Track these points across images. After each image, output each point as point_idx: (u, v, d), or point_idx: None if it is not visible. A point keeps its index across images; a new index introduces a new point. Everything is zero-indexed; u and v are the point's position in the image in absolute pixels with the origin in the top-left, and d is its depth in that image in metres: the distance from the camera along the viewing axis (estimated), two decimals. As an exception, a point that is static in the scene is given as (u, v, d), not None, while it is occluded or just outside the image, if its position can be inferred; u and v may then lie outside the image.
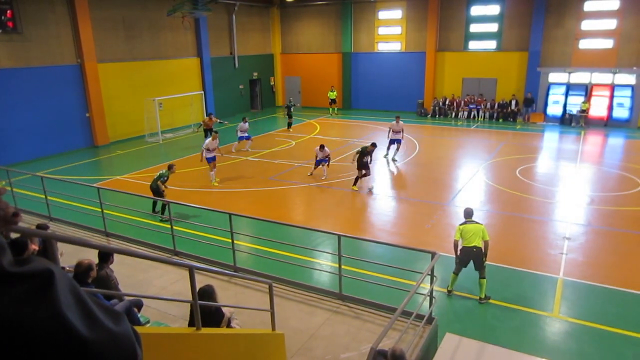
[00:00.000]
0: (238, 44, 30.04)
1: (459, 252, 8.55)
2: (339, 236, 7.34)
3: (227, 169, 17.81)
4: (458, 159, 18.43)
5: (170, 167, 12.95)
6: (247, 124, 20.51)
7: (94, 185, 12.58)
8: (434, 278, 6.59)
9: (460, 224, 8.66)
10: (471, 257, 8.41)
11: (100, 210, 10.13)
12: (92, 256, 5.95)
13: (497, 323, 7.97)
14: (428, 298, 6.70)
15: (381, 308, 6.95)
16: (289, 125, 25.00)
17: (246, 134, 20.54)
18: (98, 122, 21.88)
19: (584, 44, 25.19)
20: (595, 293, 8.82)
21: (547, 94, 26.43)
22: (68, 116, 20.88)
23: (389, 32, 30.36)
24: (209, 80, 27.70)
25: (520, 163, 17.63)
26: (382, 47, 30.85)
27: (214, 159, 15.69)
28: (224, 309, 5.20)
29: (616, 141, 22.32)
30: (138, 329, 3.24)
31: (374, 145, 14.89)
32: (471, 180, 15.92)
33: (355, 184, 14.84)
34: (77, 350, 0.66)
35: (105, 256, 6.14)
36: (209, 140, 15.94)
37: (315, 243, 10.96)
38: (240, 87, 31.15)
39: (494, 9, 27.07)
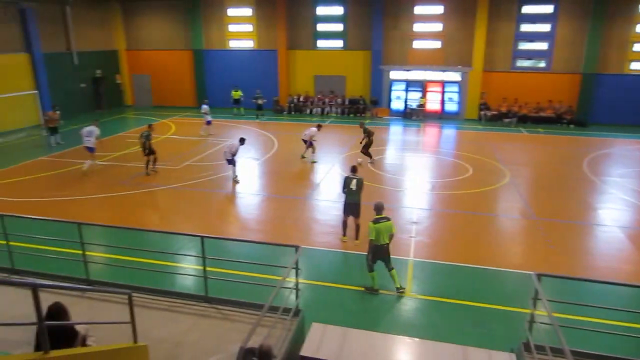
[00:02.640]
0: (76, 39, 27.34)
1: (371, 250, 8.67)
2: (202, 237, 7.17)
3: (73, 174, 16.19)
4: (315, 154, 19.14)
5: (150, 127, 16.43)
6: (208, 106, 22.68)
7: None
8: (299, 271, 6.80)
9: (374, 222, 8.61)
10: (383, 253, 8.75)
11: None
12: None
13: (358, 308, 8.51)
14: (294, 291, 6.89)
15: (249, 306, 6.96)
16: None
17: (209, 117, 22.69)
18: None
19: (418, 44, 28.09)
20: (439, 270, 9.90)
21: (390, 90, 28.83)
22: None
23: (240, 30, 30.28)
24: (43, 78, 24.73)
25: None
26: (234, 44, 30.66)
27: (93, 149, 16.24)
28: (78, 327, 4.76)
29: (449, 132, 25.24)
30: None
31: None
32: (328, 174, 16.70)
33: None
34: None
35: None
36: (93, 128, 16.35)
37: (177, 247, 10.55)
38: (82, 86, 28.44)
39: (338, 10, 28.68)
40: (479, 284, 9.34)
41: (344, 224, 11.09)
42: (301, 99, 29.76)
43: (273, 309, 6.04)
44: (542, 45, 26.77)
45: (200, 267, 7.30)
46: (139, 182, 15.40)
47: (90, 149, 16.32)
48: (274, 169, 17.31)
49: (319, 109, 29.24)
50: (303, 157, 18.12)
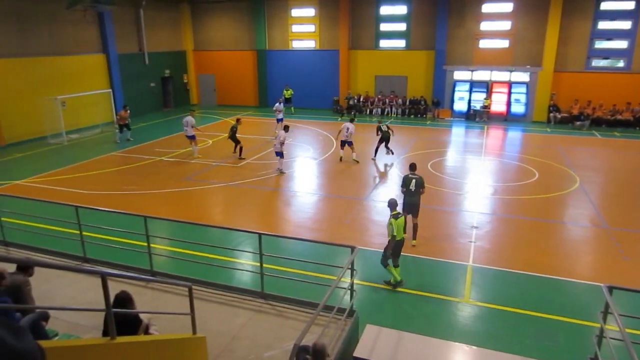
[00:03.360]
0: (147, 39, 28.74)
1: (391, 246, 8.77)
2: (260, 235, 7.30)
3: (141, 169, 17.03)
4: (372, 155, 19.00)
5: (238, 120, 18.76)
6: (282, 104, 23.27)
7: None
8: (354, 272, 6.76)
9: (395, 218, 8.68)
10: (400, 247, 8.89)
11: (-4, 218, 9.25)
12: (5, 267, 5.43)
13: (414, 311, 8.35)
14: (349, 292, 6.87)
15: (304, 304, 7.01)
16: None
17: (280, 115, 23.10)
18: (-10, 123, 19.99)
19: (484, 43, 27.17)
20: (500, 277, 9.52)
21: (453, 91, 28.09)
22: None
23: (303, 30, 30.61)
24: (117, 77, 26.23)
25: (431, 157, 18.58)
26: (297, 44, 31.05)
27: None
28: (142, 315, 4.98)
29: (514, 135, 24.22)
30: (44, 343, 3.00)
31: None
32: (386, 175, 16.53)
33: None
34: None
35: (24, 266, 5.72)
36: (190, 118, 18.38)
37: (235, 243, 10.82)
38: (152, 85, 29.85)
39: (401, 9, 28.29)
40: (543, 294, 8.89)
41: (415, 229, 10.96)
42: (361, 99, 29.65)
43: (327, 309, 6.05)
44: (622, 44, 25.06)
45: (257, 264, 7.44)
46: (201, 178, 15.94)
47: (190, 137, 18.46)
48: (332, 169, 17.35)
49: (379, 110, 29.01)
50: (356, 161, 17.91)
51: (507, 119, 27.21)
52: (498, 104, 27.42)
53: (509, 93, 27.19)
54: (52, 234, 10.08)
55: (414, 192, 10.54)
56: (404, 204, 10.71)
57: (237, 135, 18.38)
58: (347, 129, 17.70)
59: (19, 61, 21.06)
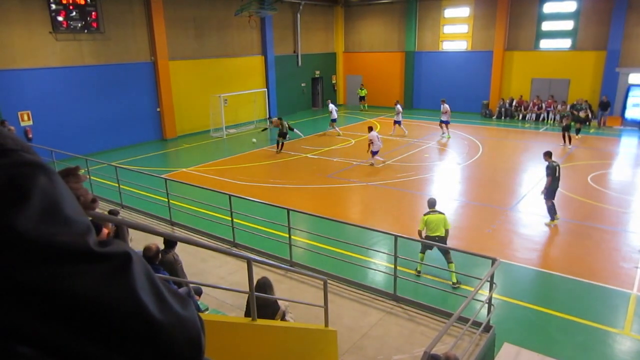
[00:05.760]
0: (302, 42, 30.38)
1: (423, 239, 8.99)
2: (396, 237, 7.26)
3: (287, 164, 18.09)
4: (523, 163, 17.65)
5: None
6: (447, 105, 22.50)
7: (162, 176, 13.22)
8: (494, 285, 6.37)
9: (425, 214, 9.05)
10: (436, 241, 8.80)
11: (166, 200, 10.62)
12: (158, 243, 6.23)
13: (561, 336, 7.58)
14: (486, 305, 6.49)
15: (436, 312, 6.81)
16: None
17: (445, 118, 22.38)
18: (167, 117, 22.93)
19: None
20: (673, 312, 8.17)
21: (626, 96, 24.74)
22: (141, 110, 22.04)
23: (455, 31, 29.57)
24: (272, 77, 28.22)
25: (592, 169, 16.62)
26: (447, 46, 30.12)
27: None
28: (279, 302, 5.29)
29: None
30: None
31: None
32: (537, 186, 15.20)
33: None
34: (148, 331, 0.67)
35: (172, 241, 6.40)
36: None
37: (371, 242, 10.90)
38: (303, 85, 31.48)
39: (570, 6, 25.64)
40: None
41: (554, 209, 11.44)
42: (514, 103, 27.67)
43: (462, 320, 5.80)
44: None
45: (391, 265, 7.42)
46: (342, 176, 16.37)
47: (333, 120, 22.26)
48: (476, 175, 16.53)
49: (534, 115, 26.79)
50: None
51: (696, 130, 23.10)
52: (684, 113, 23.40)
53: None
54: (208, 218, 11.21)
55: (558, 178, 11.30)
56: (551, 190, 11.31)
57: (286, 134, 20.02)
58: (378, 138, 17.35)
59: (194, 62, 23.84)
